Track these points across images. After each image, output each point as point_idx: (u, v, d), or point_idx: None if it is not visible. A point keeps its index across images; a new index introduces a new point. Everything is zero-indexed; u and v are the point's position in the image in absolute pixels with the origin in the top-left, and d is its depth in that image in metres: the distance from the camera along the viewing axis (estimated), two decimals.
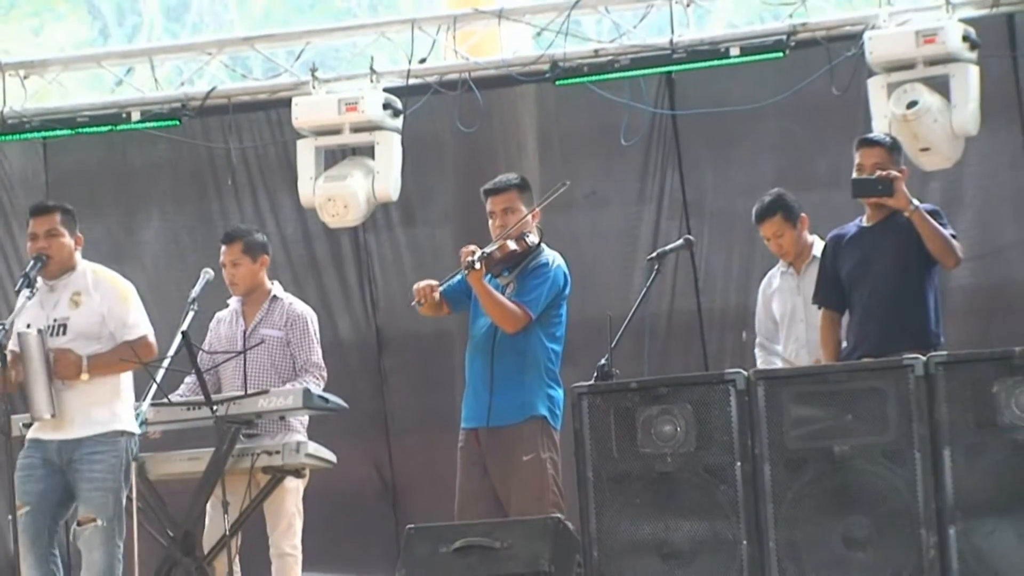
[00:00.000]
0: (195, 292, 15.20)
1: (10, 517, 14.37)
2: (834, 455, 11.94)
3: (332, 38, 21.24)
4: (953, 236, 14.03)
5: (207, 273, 15.43)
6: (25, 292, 14.51)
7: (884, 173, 14.01)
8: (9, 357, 14.10)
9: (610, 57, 18.07)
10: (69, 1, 44.92)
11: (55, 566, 14.45)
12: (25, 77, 20.01)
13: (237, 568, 15.00)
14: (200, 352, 15.15)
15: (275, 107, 19.30)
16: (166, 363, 14.74)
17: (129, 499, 14.43)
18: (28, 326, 14.30)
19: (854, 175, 14.23)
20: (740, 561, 11.88)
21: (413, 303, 14.66)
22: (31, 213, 15.05)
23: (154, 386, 14.74)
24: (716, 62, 17.68)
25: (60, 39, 41.41)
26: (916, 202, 14.01)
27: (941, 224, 13.99)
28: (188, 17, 43.94)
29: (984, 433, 11.71)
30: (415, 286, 14.85)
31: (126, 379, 14.47)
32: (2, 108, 19.76)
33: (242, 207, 18.72)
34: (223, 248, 15.67)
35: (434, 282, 14.65)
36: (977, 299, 15.71)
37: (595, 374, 13.09)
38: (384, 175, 17.74)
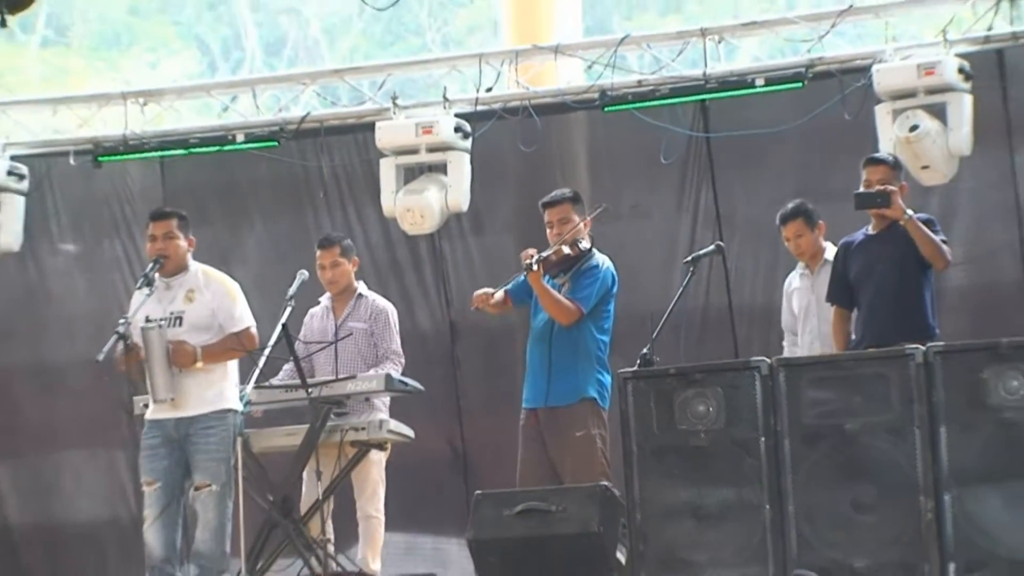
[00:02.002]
0: (292, 291, 15.45)
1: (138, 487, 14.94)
2: (844, 432, 12.11)
3: (410, 70, 21.69)
4: (944, 242, 14.39)
5: (302, 274, 15.69)
6: (145, 290, 14.75)
7: (882, 188, 14.46)
8: (131, 347, 14.37)
9: (651, 87, 18.07)
10: (182, 38, 45.28)
11: (177, 527, 14.82)
12: (144, 104, 20.13)
13: (329, 528, 15.25)
14: (297, 342, 15.48)
15: (360, 130, 19.33)
16: (267, 352, 15.11)
17: (235, 468, 14.72)
18: (147, 319, 14.58)
19: (860, 189, 14.53)
20: (763, 523, 12.06)
21: (473, 308, 15.18)
22: (151, 218, 15.31)
23: (257, 371, 15.06)
24: (743, 91, 17.80)
25: (174, 71, 42.01)
26: (910, 212, 14.37)
27: (934, 231, 14.35)
28: (285, 52, 44.74)
29: (975, 413, 11.88)
30: (473, 294, 15.38)
31: (232, 365, 14.84)
32: (125, 131, 19.98)
33: (332, 217, 18.85)
34: (320, 252, 16.06)
35: (489, 290, 15.16)
36: (970, 297, 15.96)
37: (638, 362, 13.19)
38: (456, 189, 17.85)
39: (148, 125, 20.35)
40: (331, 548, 15.52)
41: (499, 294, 15.11)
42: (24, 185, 19.91)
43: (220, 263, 15.90)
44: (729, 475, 12.50)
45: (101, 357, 14.61)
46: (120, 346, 14.65)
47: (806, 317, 15.40)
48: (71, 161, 20.19)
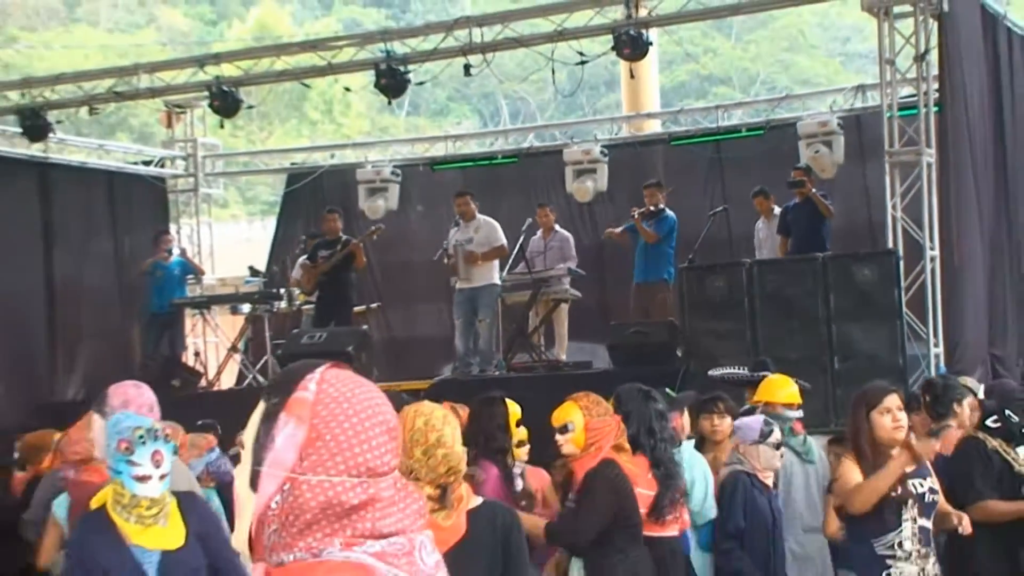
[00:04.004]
0: (524, 227, 16.64)
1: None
2: (786, 294, 13.19)
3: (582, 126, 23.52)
4: (830, 204, 15.64)
5: (529, 220, 16.87)
6: (455, 227, 16.51)
7: (800, 180, 15.69)
8: (450, 255, 16.12)
9: (693, 133, 19.64)
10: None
11: (470, 337, 16.19)
12: None
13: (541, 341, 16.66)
14: (524, 253, 16.64)
15: (555, 154, 20.10)
16: (513, 254, 16.46)
17: (498, 310, 16.30)
18: (456, 242, 16.29)
19: (789, 179, 16.00)
20: (746, 341, 13.12)
21: (603, 236, 17.33)
22: (456, 195, 16.89)
23: (508, 265, 16.54)
24: (734, 135, 19.06)
25: None
26: (814, 190, 15.67)
27: (824, 199, 15.62)
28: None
29: (847, 282, 12.83)
30: (606, 230, 17.38)
31: (496, 264, 16.33)
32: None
33: (547, 197, 19.33)
34: (539, 210, 17.17)
35: (615, 229, 16.85)
36: (839, 233, 15.81)
37: (688, 261, 14.77)
38: (601, 180, 18.76)
39: None
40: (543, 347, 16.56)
41: (619, 229, 16.91)
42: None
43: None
44: (732, 314, 13.28)
45: (436, 257, 16.61)
46: (445, 253, 16.41)
47: (765, 240, 16.57)
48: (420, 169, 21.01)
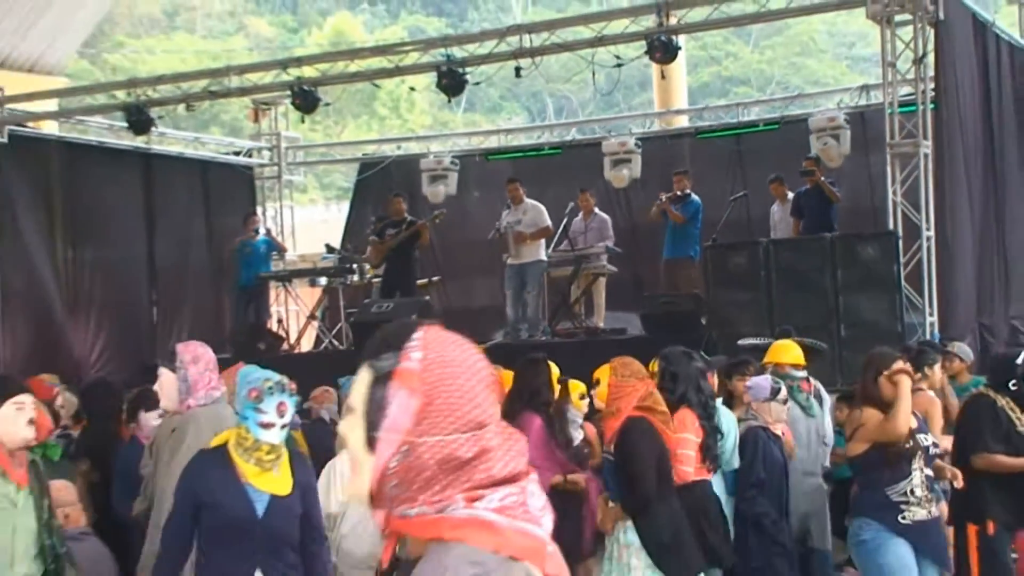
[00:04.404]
0: (568, 210, 16.69)
1: None
2: (797, 268, 13.25)
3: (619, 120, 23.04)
4: (837, 191, 15.55)
5: (572, 204, 16.85)
6: (506, 210, 16.71)
7: (811, 169, 15.57)
8: (503, 233, 16.29)
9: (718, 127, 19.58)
10: None
11: (520, 306, 16.16)
12: None
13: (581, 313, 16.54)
14: (567, 233, 16.59)
15: (593, 146, 20.43)
16: (558, 234, 16.48)
17: (544, 283, 16.30)
18: (507, 223, 16.44)
19: (801, 168, 15.84)
20: (760, 311, 13.22)
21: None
22: (507, 182, 17.07)
23: (554, 242, 16.53)
24: (753, 129, 18.96)
25: None
26: (823, 177, 15.56)
27: (832, 185, 15.56)
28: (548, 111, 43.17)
29: (852, 258, 12.86)
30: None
31: (543, 242, 16.36)
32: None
33: (591, 183, 18.51)
34: (581, 194, 16.93)
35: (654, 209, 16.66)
36: (844, 214, 15.70)
37: (711, 240, 14.80)
38: (635, 169, 18.60)
39: None
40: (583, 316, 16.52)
41: (654, 210, 16.69)
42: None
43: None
44: (751, 287, 13.31)
45: (490, 236, 16.68)
46: (498, 233, 16.64)
47: (780, 222, 16.42)
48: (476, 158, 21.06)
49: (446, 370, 2.13)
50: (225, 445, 5.61)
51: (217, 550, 5.57)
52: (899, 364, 7.26)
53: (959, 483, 7.84)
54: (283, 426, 5.60)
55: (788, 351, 9.40)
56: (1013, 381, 8.00)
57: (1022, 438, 7.87)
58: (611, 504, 7.30)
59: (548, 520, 2.14)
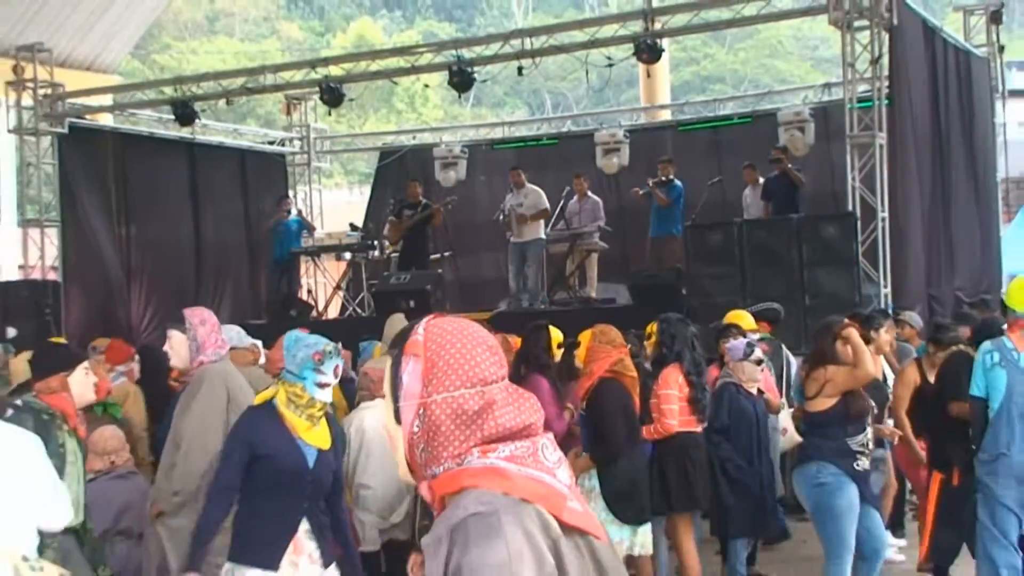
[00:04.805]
0: (564, 193, 16.67)
1: None
2: (768, 243, 13.07)
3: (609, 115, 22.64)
4: (802, 176, 15.56)
5: (568, 188, 16.66)
6: (509, 194, 16.52)
7: (780, 157, 15.63)
8: (507, 214, 16.11)
9: (695, 120, 19.52)
10: None
11: (520, 278, 16.21)
12: None
13: (575, 284, 16.57)
14: (563, 214, 16.62)
15: (587, 137, 20.35)
16: (555, 215, 16.49)
17: (544, 260, 16.24)
18: (510, 205, 16.34)
19: (770, 157, 15.85)
20: (737, 285, 13.22)
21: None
22: (511, 169, 17.00)
23: (552, 220, 16.43)
24: (728, 122, 19.05)
25: None
26: (789, 165, 15.62)
27: (798, 172, 15.58)
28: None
29: (815, 236, 12.73)
30: (631, 190, 16.74)
31: (542, 222, 16.34)
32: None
33: (587, 171, 18.63)
34: (575, 180, 16.76)
35: (639, 190, 16.41)
36: (808, 196, 15.61)
37: (693, 219, 14.99)
38: (623, 157, 18.67)
39: None
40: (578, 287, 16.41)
41: (641, 192, 16.52)
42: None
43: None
44: (726, 262, 13.13)
45: (495, 217, 16.73)
46: (502, 214, 16.56)
47: (751, 204, 16.22)
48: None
49: (446, 336, 2.17)
50: (271, 402, 5.54)
51: (266, 500, 5.48)
52: (845, 322, 7.48)
53: (894, 439, 8.48)
54: (333, 386, 5.60)
55: (741, 318, 9.59)
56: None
57: None
58: (580, 455, 7.42)
59: (563, 473, 2.14)
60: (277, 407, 5.51)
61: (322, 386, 5.48)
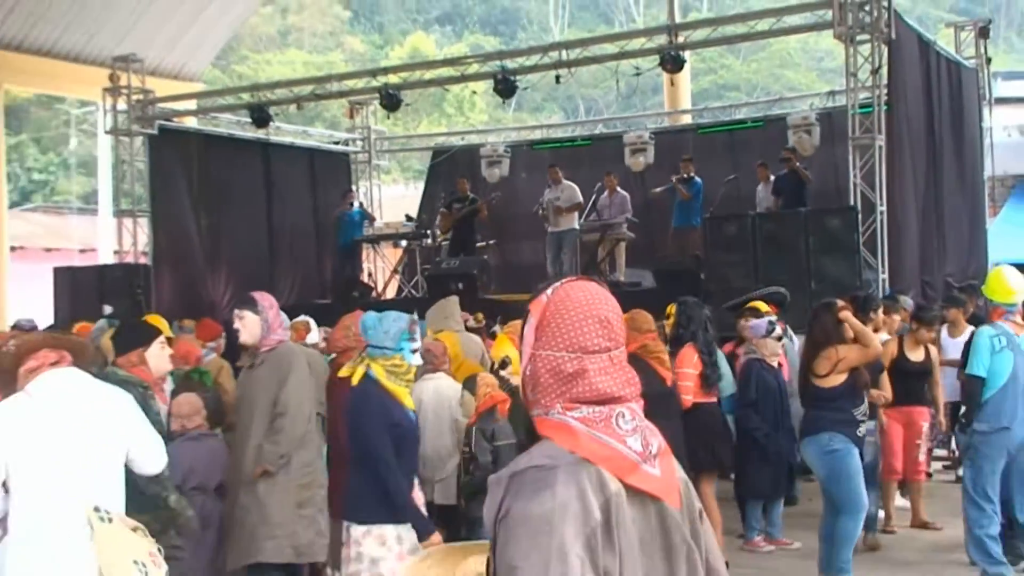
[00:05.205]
0: (596, 188, 16.47)
1: None
2: (773, 232, 12.91)
3: (636, 119, 22.18)
4: (809, 174, 15.40)
5: (599, 184, 16.51)
6: (548, 189, 16.32)
7: (788, 157, 15.39)
8: (546, 207, 15.93)
9: (714, 124, 19.18)
10: None
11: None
12: None
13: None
14: (595, 207, 16.51)
15: (617, 139, 19.96)
16: (588, 208, 16.34)
17: (576, 249, 16.16)
18: (548, 199, 16.17)
19: (780, 156, 15.65)
20: (749, 270, 12.99)
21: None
22: (549, 167, 16.93)
23: (586, 211, 16.23)
24: (742, 126, 18.71)
25: None
26: (798, 164, 15.44)
27: (805, 170, 15.42)
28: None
29: (813, 225, 12.67)
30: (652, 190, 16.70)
31: (576, 214, 16.12)
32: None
33: (609, 167, 18.79)
34: (606, 178, 16.60)
35: (657, 189, 16.50)
36: (815, 192, 15.55)
37: (710, 212, 14.83)
38: (648, 155, 18.41)
39: None
40: (608, 272, 16.07)
41: (659, 189, 16.54)
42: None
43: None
44: (741, 251, 12.95)
45: (534, 210, 16.59)
46: (540, 207, 16.42)
47: (763, 199, 15.93)
48: None
49: (564, 303, 2.18)
50: (369, 377, 5.44)
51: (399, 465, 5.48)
52: (840, 304, 7.46)
53: (882, 402, 8.49)
54: None
55: (757, 306, 9.28)
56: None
57: None
58: None
59: (635, 442, 2.11)
60: (380, 381, 5.42)
61: (415, 352, 5.48)
